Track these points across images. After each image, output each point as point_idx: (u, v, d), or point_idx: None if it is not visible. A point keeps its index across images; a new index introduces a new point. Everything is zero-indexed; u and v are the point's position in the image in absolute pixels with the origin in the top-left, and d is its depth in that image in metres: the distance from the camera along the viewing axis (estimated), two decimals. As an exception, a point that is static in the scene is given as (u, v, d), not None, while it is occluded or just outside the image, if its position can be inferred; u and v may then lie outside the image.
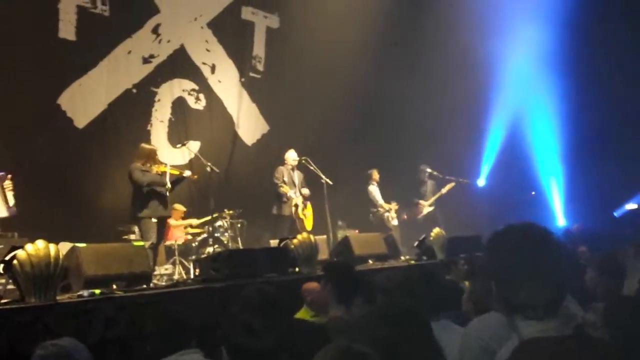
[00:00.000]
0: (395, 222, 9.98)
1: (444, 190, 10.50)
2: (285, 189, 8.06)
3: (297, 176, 8.44)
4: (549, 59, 11.49)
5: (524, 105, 12.01)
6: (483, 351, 2.41)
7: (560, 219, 11.96)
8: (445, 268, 5.75)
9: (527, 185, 12.19)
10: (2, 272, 3.94)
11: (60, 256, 4.05)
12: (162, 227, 7.12)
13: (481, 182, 12.24)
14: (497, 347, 2.23)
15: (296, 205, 8.16)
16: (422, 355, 1.92)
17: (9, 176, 6.34)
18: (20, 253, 3.87)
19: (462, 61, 11.55)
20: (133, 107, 9.25)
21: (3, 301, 3.85)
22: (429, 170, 10.70)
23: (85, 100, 8.64)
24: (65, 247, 4.78)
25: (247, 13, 10.81)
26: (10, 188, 6.31)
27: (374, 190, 10.00)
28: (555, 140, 11.94)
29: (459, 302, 3.39)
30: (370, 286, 3.85)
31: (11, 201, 6.27)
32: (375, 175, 10.10)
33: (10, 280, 3.99)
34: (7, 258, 3.90)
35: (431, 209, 10.46)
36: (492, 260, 1.64)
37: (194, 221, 8.98)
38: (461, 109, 11.75)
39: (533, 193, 12.23)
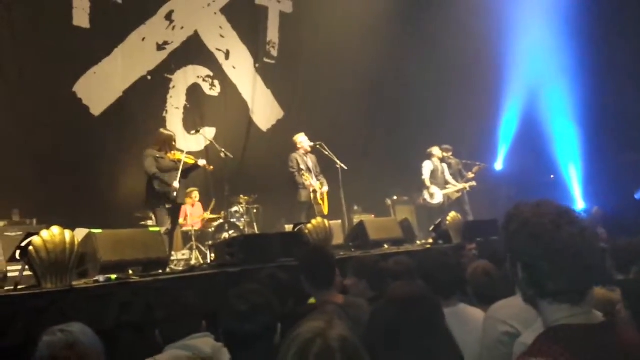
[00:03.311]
0: (435, 200, 9.69)
1: (471, 175, 10.30)
2: (305, 177, 8.01)
3: (311, 160, 8.38)
4: (566, 39, 11.25)
5: (540, 86, 11.80)
6: (506, 335, 2.36)
7: (579, 202, 11.80)
8: (458, 252, 5.71)
9: (545, 167, 12.02)
10: (18, 258, 3.98)
11: (76, 242, 4.09)
12: (176, 213, 7.13)
13: (499, 165, 12.11)
14: (522, 330, 2.19)
15: (314, 191, 8.11)
16: (428, 339, 1.89)
17: None
18: (35, 239, 3.91)
19: (476, 42, 11.40)
20: (148, 94, 9.28)
21: (19, 287, 3.89)
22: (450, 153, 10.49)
23: (101, 87, 8.68)
24: (81, 233, 4.82)
25: (260, -2, 10.77)
26: None
27: (425, 165, 9.82)
28: (573, 121, 11.73)
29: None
30: (377, 270, 3.84)
31: None
32: (432, 152, 9.88)
33: (27, 266, 4.03)
34: (23, 244, 3.94)
35: (459, 194, 10.21)
36: (522, 242, 1.56)
37: (208, 215, 9.01)
38: (476, 90, 11.60)
39: (552, 176, 12.06)
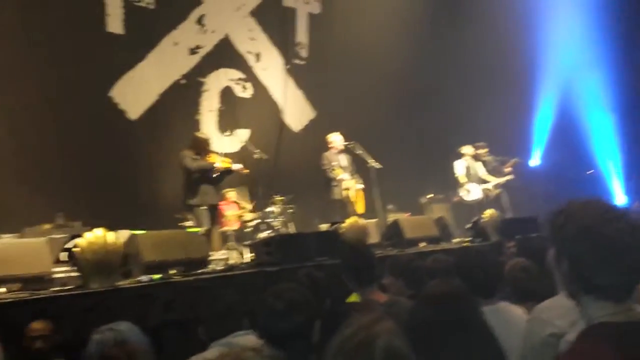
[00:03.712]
0: (472, 197, 9.62)
1: (506, 169, 10.16)
2: (337, 172, 8.03)
3: (345, 159, 8.41)
4: (601, 29, 10.98)
5: (574, 79, 11.55)
6: (553, 337, 2.31)
7: (619, 197, 11.51)
8: (496, 250, 5.65)
9: (583, 162, 11.76)
10: (65, 259, 4.11)
11: (119, 243, 4.20)
12: (214, 214, 7.26)
13: (535, 161, 11.91)
14: (568, 331, 2.15)
15: (347, 189, 8.13)
16: (467, 337, 1.89)
17: None
18: (81, 241, 4.03)
19: (508, 37, 11.24)
20: (182, 97, 9.44)
21: (66, 287, 4.01)
22: (485, 150, 10.30)
23: (137, 92, 8.87)
24: (124, 234, 4.94)
25: (288, 0, 10.81)
26: None
27: (457, 163, 9.78)
28: (611, 113, 11.45)
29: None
30: (414, 269, 3.82)
31: None
32: (464, 149, 9.83)
33: (73, 268, 4.15)
34: (69, 246, 4.07)
35: (498, 190, 10.05)
36: (571, 238, 1.52)
37: (247, 214, 9.11)
38: (509, 86, 11.43)
39: (591, 171, 11.79)
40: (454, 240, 7.53)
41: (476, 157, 10.03)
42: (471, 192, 9.61)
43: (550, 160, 11.68)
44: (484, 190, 9.77)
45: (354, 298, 4.02)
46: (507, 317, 2.77)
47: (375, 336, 1.41)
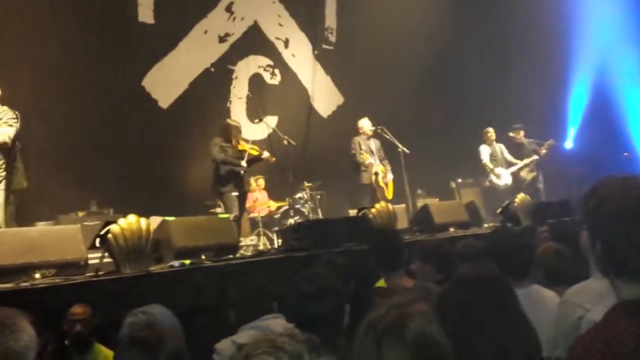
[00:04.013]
0: (502, 181, 9.49)
1: (543, 151, 10.01)
2: (364, 156, 8.01)
3: (374, 144, 8.37)
4: (637, 4, 10.61)
5: (610, 58, 11.18)
6: (582, 319, 2.30)
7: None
8: (528, 234, 5.55)
9: (619, 144, 11.43)
10: (98, 245, 4.20)
11: (151, 229, 4.27)
12: (243, 200, 7.34)
13: (569, 144, 11.64)
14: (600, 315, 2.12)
15: (376, 173, 8.11)
16: (500, 320, 1.87)
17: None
18: (114, 227, 4.12)
19: (540, 16, 10.97)
20: (212, 85, 9.53)
21: (100, 272, 4.11)
22: (522, 133, 10.12)
23: (168, 81, 8.98)
24: (156, 221, 5.02)
25: (317, -16, 10.77)
26: None
27: (482, 149, 9.68)
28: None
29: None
30: (444, 254, 3.79)
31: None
32: (487, 134, 9.72)
33: (106, 253, 4.24)
34: (102, 232, 4.16)
35: (534, 173, 9.92)
36: (603, 218, 1.51)
37: (273, 203, 9.17)
38: (541, 66, 11.19)
39: (626, 154, 11.46)
40: (485, 225, 7.44)
41: (502, 140, 9.89)
42: (502, 177, 9.48)
43: (585, 142, 11.39)
44: (521, 175, 9.63)
45: (381, 284, 4.03)
46: (539, 300, 2.75)
47: (408, 317, 1.40)
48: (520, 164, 9.70)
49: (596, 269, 1.66)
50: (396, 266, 3.25)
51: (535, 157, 9.74)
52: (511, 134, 9.99)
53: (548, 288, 2.96)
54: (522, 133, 10.09)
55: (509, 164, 9.71)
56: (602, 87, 11.35)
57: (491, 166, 9.52)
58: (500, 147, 9.78)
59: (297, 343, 1.19)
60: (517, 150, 10.09)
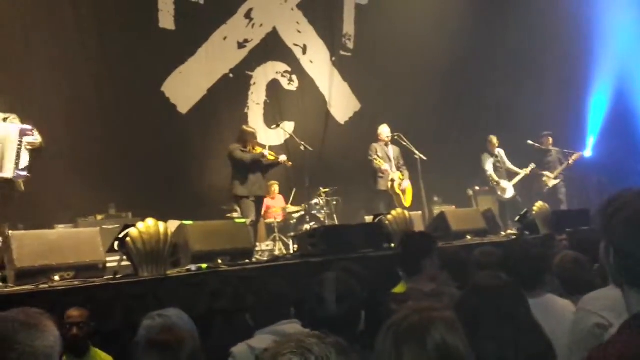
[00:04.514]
0: (508, 194, 9.42)
1: (570, 161, 9.93)
2: (379, 162, 8.03)
3: (392, 151, 8.37)
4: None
5: (631, 66, 11.06)
6: (598, 327, 2.28)
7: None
8: (547, 243, 5.50)
9: (639, 153, 11.30)
10: (117, 249, 4.24)
11: (169, 233, 4.30)
12: (260, 205, 7.38)
13: (588, 152, 11.52)
14: (615, 322, 2.10)
15: (392, 180, 8.11)
16: (512, 329, 1.87)
17: (33, 130, 5.01)
18: (132, 231, 4.15)
19: (561, 24, 10.90)
20: (231, 91, 9.59)
21: (118, 276, 4.15)
22: (550, 140, 10.11)
23: (187, 86, 9.06)
24: (173, 225, 5.07)
25: (335, -10, 10.80)
26: (32, 146, 4.98)
27: (486, 159, 9.59)
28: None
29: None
30: (459, 261, 3.78)
31: (24, 162, 4.93)
32: (491, 142, 9.62)
33: (125, 257, 4.28)
34: (120, 236, 4.20)
35: (557, 181, 9.86)
36: (618, 227, 1.50)
37: (290, 207, 9.21)
38: (561, 76, 11.10)
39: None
40: (502, 234, 7.38)
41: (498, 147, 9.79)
42: (507, 191, 9.45)
43: (605, 151, 11.26)
44: (548, 181, 9.69)
45: (400, 289, 4.02)
46: (554, 309, 2.74)
47: (430, 323, 1.40)
48: (522, 174, 9.63)
49: (611, 279, 1.65)
50: (416, 270, 3.25)
51: (533, 166, 9.65)
52: (530, 142, 9.91)
53: (565, 297, 2.94)
54: (550, 140, 10.05)
55: (509, 172, 9.67)
56: (622, 95, 11.25)
57: (497, 179, 9.47)
58: (500, 154, 9.71)
59: (325, 345, 1.19)
60: (541, 157, 10.04)
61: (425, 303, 1.50)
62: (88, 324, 3.45)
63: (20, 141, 4.89)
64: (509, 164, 9.71)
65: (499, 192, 9.48)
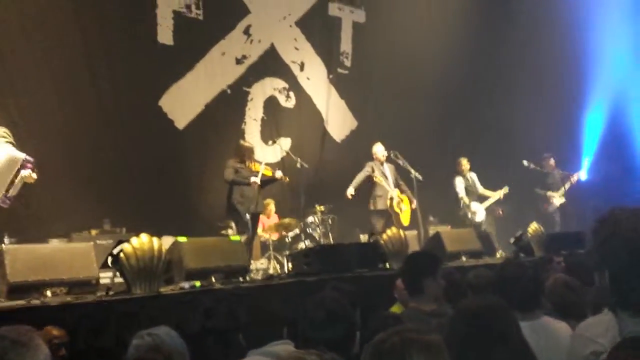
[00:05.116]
0: (478, 218, 9.37)
1: (573, 180, 10.01)
2: (379, 179, 8.04)
3: (389, 169, 8.38)
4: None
5: (626, 89, 11.17)
6: (594, 355, 2.26)
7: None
8: (543, 266, 5.49)
9: (634, 176, 11.34)
10: (110, 265, 4.21)
11: (164, 250, 4.28)
12: (255, 223, 7.36)
13: (583, 175, 11.56)
14: (609, 348, 2.09)
15: (391, 198, 8.10)
16: (501, 351, 1.86)
17: (31, 164, 4.77)
18: (126, 247, 4.13)
19: (556, 45, 11.02)
20: (228, 107, 9.60)
21: (110, 292, 4.11)
22: (552, 161, 10.20)
23: (184, 101, 9.06)
24: (168, 241, 5.04)
25: (333, 9, 10.87)
26: (25, 180, 4.76)
27: (457, 182, 9.54)
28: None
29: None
30: (452, 282, 3.77)
31: (13, 191, 4.73)
32: (461, 165, 9.58)
33: (118, 273, 4.25)
34: (114, 252, 4.17)
35: (563, 200, 9.91)
36: (612, 249, 1.49)
37: (286, 221, 9.16)
38: (557, 96, 11.19)
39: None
40: (498, 255, 7.37)
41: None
42: (477, 213, 9.41)
43: (600, 173, 11.31)
44: (552, 202, 9.73)
45: (395, 309, 4.00)
46: (550, 332, 2.72)
47: (411, 346, 1.40)
48: (494, 197, 9.61)
49: (605, 302, 1.65)
50: (419, 290, 3.24)
51: (506, 190, 9.62)
52: (526, 162, 9.96)
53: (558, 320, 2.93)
54: (552, 161, 10.12)
55: (480, 195, 9.63)
56: (617, 116, 11.32)
57: (467, 202, 9.44)
58: (472, 178, 9.67)
59: None
60: (541, 179, 10.08)
61: (411, 325, 1.50)
62: (68, 343, 3.34)
63: (19, 170, 4.68)
64: (481, 189, 9.66)
65: (469, 215, 9.43)
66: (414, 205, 8.20)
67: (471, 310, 2.02)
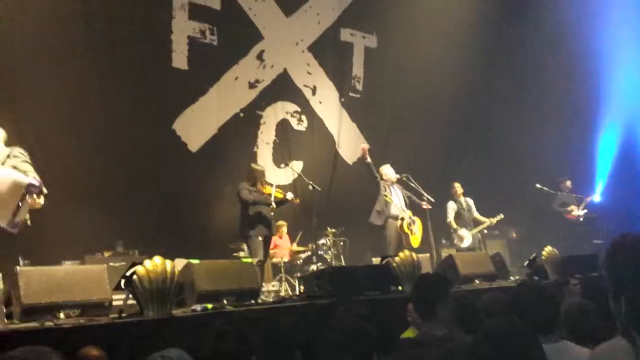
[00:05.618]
0: (465, 244, 9.31)
1: (588, 200, 10.21)
2: (388, 198, 8.04)
3: (399, 191, 8.37)
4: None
5: (638, 113, 11.12)
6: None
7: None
8: (558, 289, 5.42)
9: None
10: (123, 287, 4.21)
11: (176, 272, 4.28)
12: (268, 245, 7.37)
13: (597, 197, 11.46)
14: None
15: (402, 219, 8.08)
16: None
17: (37, 189, 4.41)
18: (139, 269, 4.13)
19: (567, 73, 11.01)
20: (241, 130, 9.71)
21: (123, 315, 4.11)
22: (569, 183, 10.36)
23: (198, 125, 9.18)
24: (180, 263, 5.06)
25: (345, 34, 11.01)
26: (33, 204, 4.44)
27: (449, 206, 9.53)
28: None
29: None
30: (465, 306, 3.72)
31: (21, 216, 4.40)
32: (455, 189, 9.57)
33: (130, 295, 4.25)
34: (127, 274, 4.18)
35: (585, 211, 10.05)
36: (628, 275, 1.47)
37: (295, 247, 9.19)
38: (569, 122, 11.17)
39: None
40: (511, 278, 7.29)
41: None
42: (465, 239, 9.35)
43: (613, 196, 11.21)
44: (574, 212, 9.89)
45: (408, 334, 3.95)
46: (569, 356, 2.67)
47: None
48: (486, 223, 9.55)
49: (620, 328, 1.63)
50: (431, 315, 3.20)
51: (500, 217, 9.55)
52: (539, 185, 9.93)
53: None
54: (569, 183, 10.30)
55: (475, 221, 9.58)
56: (630, 139, 11.26)
57: (455, 227, 9.41)
58: (468, 203, 9.63)
59: None
60: (555, 202, 10.23)
61: (415, 352, 1.49)
62: None
63: (24, 194, 4.38)
64: (476, 214, 9.62)
65: (455, 241, 9.40)
66: (415, 228, 8.20)
67: (497, 334, 2.00)
